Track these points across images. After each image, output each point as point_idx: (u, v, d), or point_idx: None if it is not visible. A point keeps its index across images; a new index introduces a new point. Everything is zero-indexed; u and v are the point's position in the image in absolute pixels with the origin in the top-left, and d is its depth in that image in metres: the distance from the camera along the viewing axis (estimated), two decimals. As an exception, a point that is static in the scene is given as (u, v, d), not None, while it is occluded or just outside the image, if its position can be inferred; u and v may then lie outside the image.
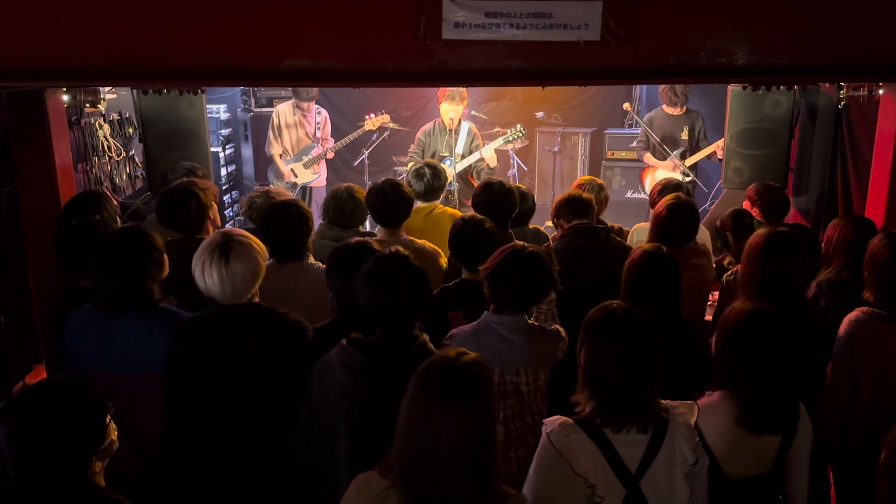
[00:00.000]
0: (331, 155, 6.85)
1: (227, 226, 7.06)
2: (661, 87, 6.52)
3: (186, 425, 2.60)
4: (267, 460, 2.59)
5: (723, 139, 6.09)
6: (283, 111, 6.74)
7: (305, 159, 6.69)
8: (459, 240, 3.29)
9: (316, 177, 6.79)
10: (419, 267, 2.46)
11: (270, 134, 6.75)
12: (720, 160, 6.21)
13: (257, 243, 2.66)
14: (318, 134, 6.75)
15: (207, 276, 2.56)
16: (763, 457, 2.32)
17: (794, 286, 2.95)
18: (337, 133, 7.14)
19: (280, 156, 6.71)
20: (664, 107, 6.50)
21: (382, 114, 6.82)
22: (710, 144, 6.25)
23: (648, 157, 6.57)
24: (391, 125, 7.41)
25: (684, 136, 6.39)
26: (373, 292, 2.39)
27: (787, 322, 2.33)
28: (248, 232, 2.76)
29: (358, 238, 3.07)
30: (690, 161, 6.31)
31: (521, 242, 2.81)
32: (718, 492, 2.27)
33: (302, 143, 6.73)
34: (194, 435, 2.59)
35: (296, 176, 6.70)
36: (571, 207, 3.79)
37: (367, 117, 6.80)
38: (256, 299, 2.67)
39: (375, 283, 2.40)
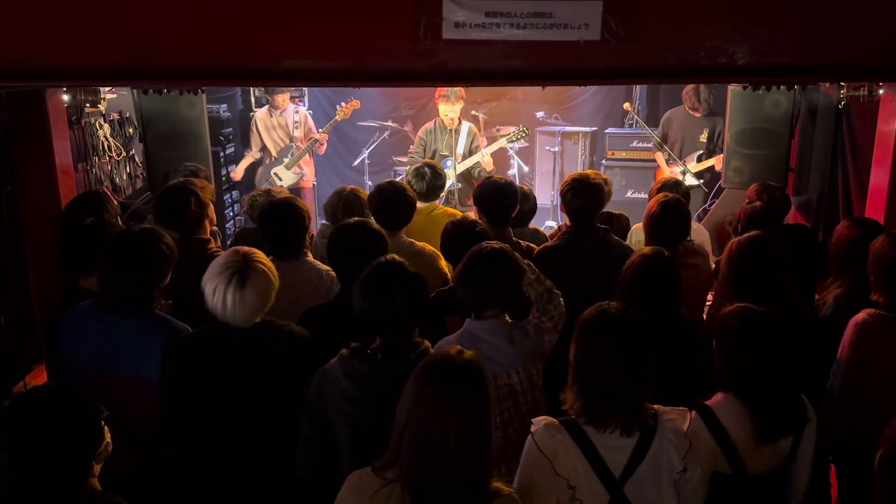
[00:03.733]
0: (321, 150, 6.76)
1: (228, 225, 7.08)
2: (685, 89, 6.37)
3: (185, 439, 2.57)
4: (272, 473, 2.58)
5: (722, 154, 6.09)
6: (261, 116, 6.74)
7: (286, 160, 6.63)
8: (451, 243, 3.28)
9: (298, 177, 6.69)
10: (416, 273, 2.46)
11: (252, 143, 6.75)
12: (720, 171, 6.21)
13: (272, 268, 2.63)
14: (297, 133, 6.70)
15: (219, 299, 2.50)
16: (778, 453, 2.34)
17: (771, 290, 2.92)
18: (335, 133, 7.12)
19: (266, 161, 6.70)
20: (686, 107, 6.39)
21: (351, 100, 6.71)
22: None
23: (659, 157, 6.48)
24: (391, 124, 7.41)
25: (703, 138, 6.28)
26: (368, 300, 2.39)
27: (778, 321, 2.35)
28: (251, 239, 2.75)
29: (358, 218, 3.11)
30: (697, 168, 6.21)
31: (486, 242, 2.78)
32: (738, 488, 2.28)
33: (283, 144, 6.72)
34: (194, 449, 2.57)
35: (280, 179, 6.62)
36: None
37: (337, 107, 6.72)
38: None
39: (371, 290, 2.39)
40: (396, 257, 2.51)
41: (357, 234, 2.96)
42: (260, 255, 2.64)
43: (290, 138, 6.71)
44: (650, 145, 6.86)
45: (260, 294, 2.53)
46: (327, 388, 2.39)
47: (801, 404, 2.38)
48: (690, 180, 6.02)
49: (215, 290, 2.51)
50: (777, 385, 2.30)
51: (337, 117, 6.70)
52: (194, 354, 2.57)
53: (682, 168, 6.17)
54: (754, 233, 3.12)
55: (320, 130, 6.71)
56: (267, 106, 6.77)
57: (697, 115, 6.32)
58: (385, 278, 2.40)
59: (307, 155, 6.68)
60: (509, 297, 2.75)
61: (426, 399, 1.79)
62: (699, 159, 6.25)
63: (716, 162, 6.12)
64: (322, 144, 6.70)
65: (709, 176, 6.26)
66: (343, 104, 6.68)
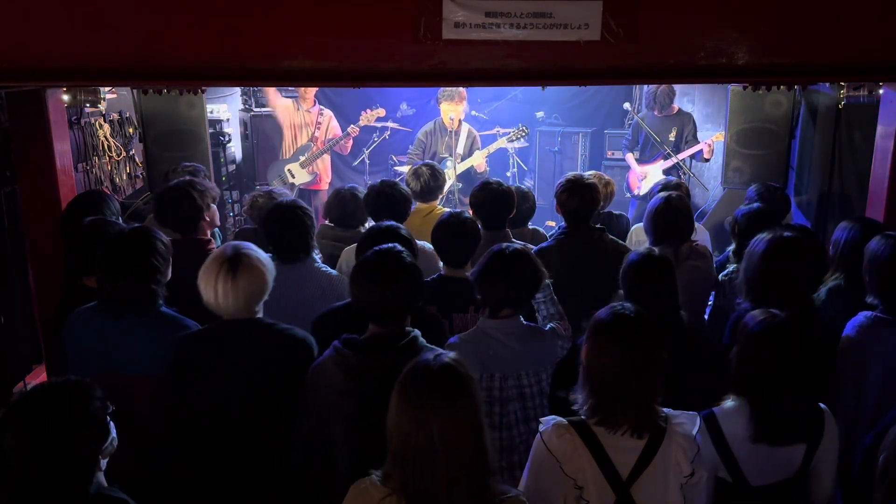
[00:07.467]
0: (347, 147, 6.75)
1: (228, 226, 7.08)
2: (647, 91, 6.59)
3: (191, 435, 2.59)
4: (269, 471, 2.59)
5: (711, 138, 6.13)
6: (287, 110, 6.68)
7: (302, 158, 6.64)
8: (439, 234, 3.30)
9: (312, 177, 6.70)
10: (412, 262, 2.46)
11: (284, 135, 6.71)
12: (706, 160, 6.25)
13: (264, 261, 2.62)
14: (317, 133, 6.70)
15: (211, 290, 2.51)
16: (786, 464, 2.31)
17: (797, 290, 2.90)
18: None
19: (280, 157, 6.69)
20: (655, 111, 6.54)
21: (377, 108, 6.74)
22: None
23: (630, 158, 6.64)
24: (391, 125, 7.40)
25: (672, 137, 6.43)
26: (363, 286, 2.39)
27: (801, 329, 2.32)
28: (250, 240, 2.77)
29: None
30: (684, 155, 6.32)
31: (507, 242, 2.80)
32: (740, 499, 2.26)
33: (301, 142, 6.71)
34: (199, 444, 2.59)
35: (293, 177, 6.62)
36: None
37: (362, 113, 6.75)
38: (260, 314, 2.64)
39: (366, 277, 2.39)
40: (398, 246, 2.51)
41: (387, 238, 2.91)
42: (251, 246, 2.62)
43: (310, 137, 6.67)
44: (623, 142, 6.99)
45: (252, 282, 2.52)
46: (321, 382, 2.39)
47: (816, 415, 2.34)
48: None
49: (208, 283, 2.52)
50: (792, 396, 2.26)
51: (360, 122, 6.68)
52: (198, 351, 2.57)
53: (671, 162, 6.21)
54: (774, 232, 3.01)
55: (348, 129, 6.65)
56: (293, 99, 6.71)
57: (664, 112, 6.45)
58: (382, 266, 2.40)
59: (326, 155, 6.67)
60: (526, 299, 2.77)
61: (407, 409, 1.78)
62: (666, 157, 6.33)
63: (703, 146, 6.21)
64: (349, 139, 6.66)
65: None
66: (368, 111, 6.68)
